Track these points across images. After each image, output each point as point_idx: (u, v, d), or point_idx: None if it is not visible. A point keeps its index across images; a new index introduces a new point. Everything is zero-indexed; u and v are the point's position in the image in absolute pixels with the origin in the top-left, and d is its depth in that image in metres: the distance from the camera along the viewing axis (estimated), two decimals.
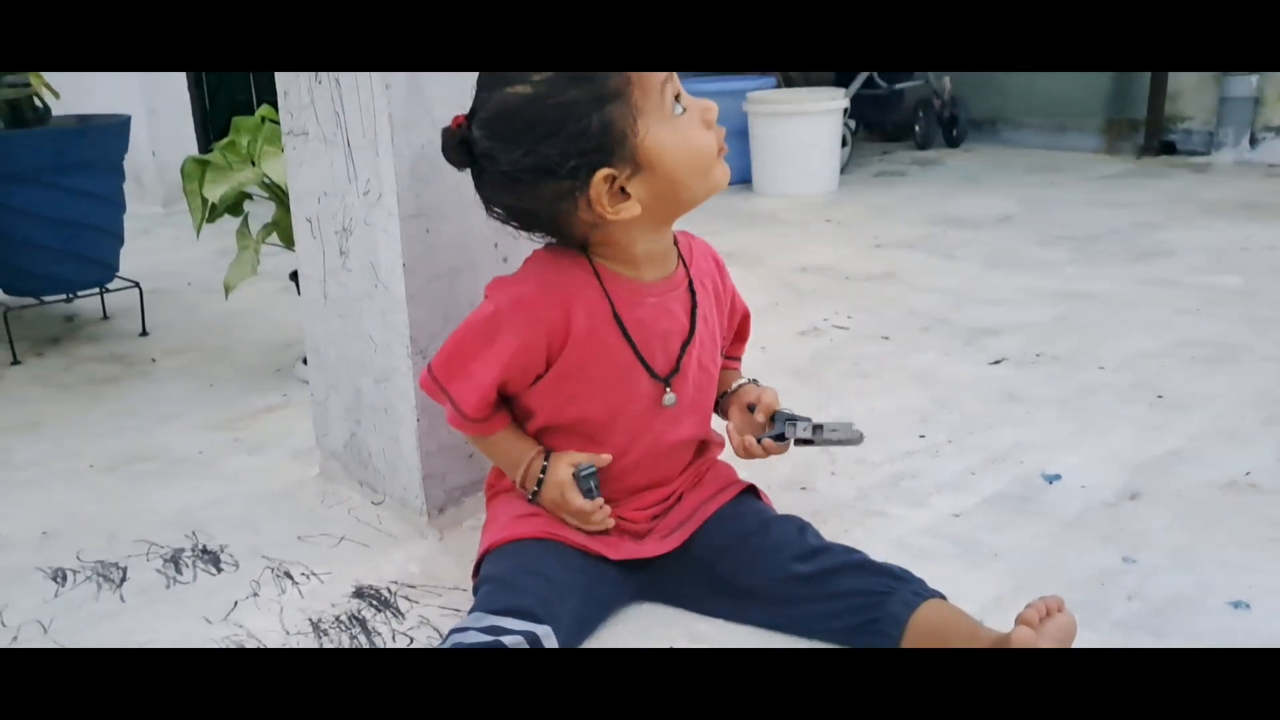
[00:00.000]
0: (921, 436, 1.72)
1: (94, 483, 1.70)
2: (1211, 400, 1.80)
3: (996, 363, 2.05)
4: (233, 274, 1.99)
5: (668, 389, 1.22)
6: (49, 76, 2.48)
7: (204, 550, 1.45)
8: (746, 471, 1.37)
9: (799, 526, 1.23)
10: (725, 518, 1.26)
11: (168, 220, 3.95)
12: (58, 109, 2.45)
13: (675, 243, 1.25)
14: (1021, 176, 4.20)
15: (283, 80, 1.49)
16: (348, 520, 1.52)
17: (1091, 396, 1.86)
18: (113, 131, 2.32)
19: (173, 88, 4.09)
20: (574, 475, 1.19)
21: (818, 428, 1.24)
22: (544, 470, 1.21)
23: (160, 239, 3.63)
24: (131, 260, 2.62)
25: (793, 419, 1.25)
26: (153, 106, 3.97)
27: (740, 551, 1.21)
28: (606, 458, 1.21)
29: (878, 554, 1.19)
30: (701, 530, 1.25)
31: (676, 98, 1.10)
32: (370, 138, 1.34)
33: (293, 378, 2.12)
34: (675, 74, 1.11)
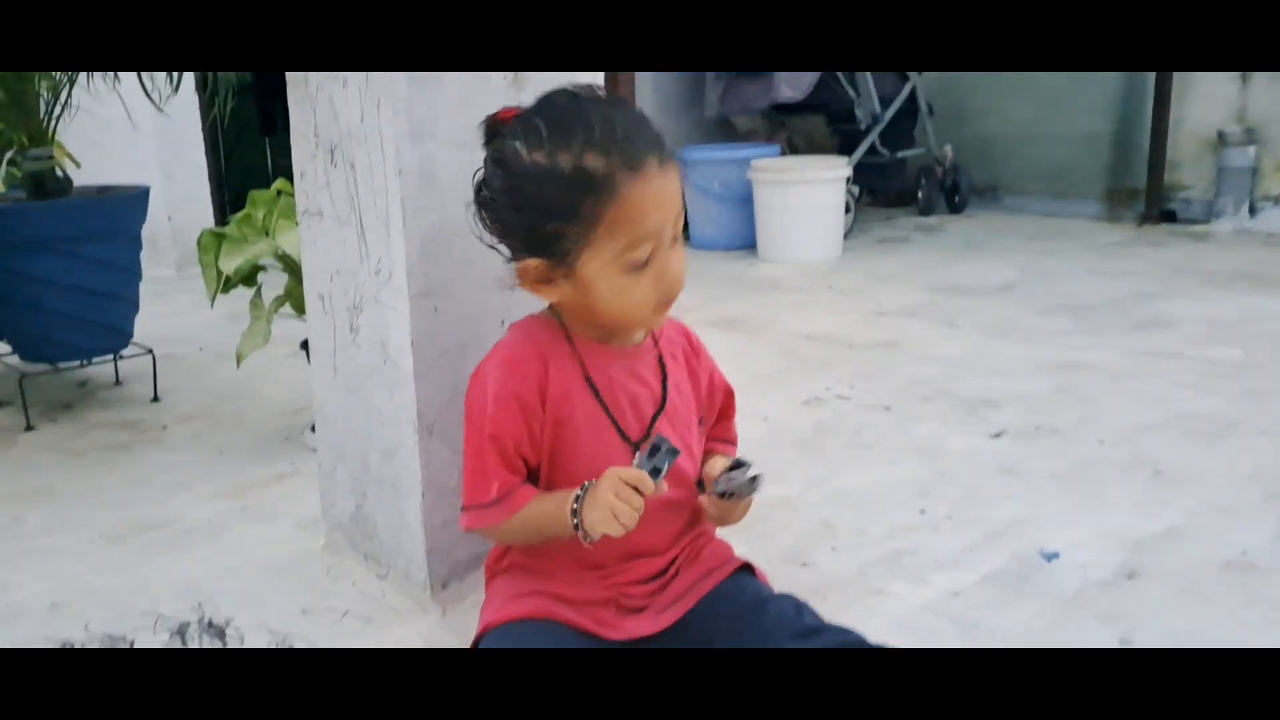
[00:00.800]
0: (922, 511, 1.73)
1: (104, 552, 1.72)
2: (1209, 475, 1.82)
3: (997, 435, 2.08)
4: (245, 343, 2.03)
5: (636, 453, 1.24)
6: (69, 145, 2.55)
7: (210, 624, 1.47)
8: (746, 546, 1.39)
9: (796, 605, 1.24)
10: (721, 595, 1.27)
11: (181, 284, 4.01)
12: (78, 177, 2.52)
13: None
14: (1023, 244, 4.25)
15: (299, 160, 1.54)
16: (352, 593, 1.54)
17: (1089, 470, 1.88)
18: (132, 202, 2.38)
19: (189, 153, 4.18)
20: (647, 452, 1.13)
21: (731, 472, 1.22)
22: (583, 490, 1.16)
23: (173, 303, 3.68)
24: (144, 324, 2.67)
25: (732, 469, 1.24)
26: (169, 172, 4.06)
27: (736, 629, 1.23)
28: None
29: (876, 633, 1.20)
30: (697, 608, 1.26)
31: (649, 259, 1.12)
32: (382, 219, 1.38)
33: (301, 445, 2.15)
34: (669, 239, 1.12)
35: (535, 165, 1.11)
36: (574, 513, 1.13)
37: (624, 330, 1.22)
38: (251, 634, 1.43)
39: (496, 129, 1.16)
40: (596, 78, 1.37)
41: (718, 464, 1.26)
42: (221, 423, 2.35)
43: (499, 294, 1.44)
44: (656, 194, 1.10)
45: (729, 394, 1.37)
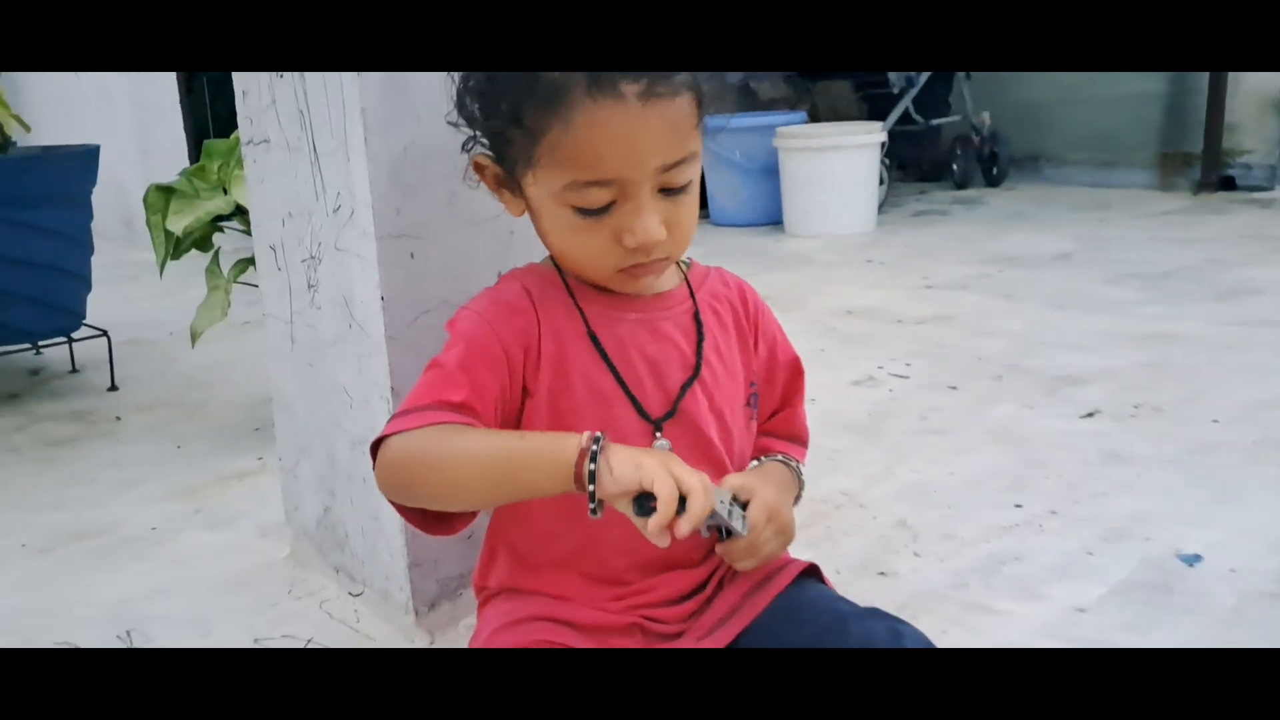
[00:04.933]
0: (1018, 506, 1.42)
1: (23, 565, 1.42)
2: None
3: (1089, 416, 1.75)
4: (200, 318, 1.73)
5: (658, 433, 0.93)
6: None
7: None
8: (807, 554, 1.06)
9: (890, 626, 0.92)
10: (783, 611, 0.94)
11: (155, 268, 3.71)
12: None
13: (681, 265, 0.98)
14: (1071, 214, 3.92)
15: (241, 80, 1.24)
16: (318, 617, 1.23)
17: (1212, 455, 1.56)
18: (78, 161, 2.08)
19: (168, 127, 3.86)
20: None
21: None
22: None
23: (148, 287, 3.36)
24: (114, 310, 2.38)
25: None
26: (146, 147, 3.74)
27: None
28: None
29: None
30: (752, 631, 0.94)
31: (608, 209, 0.83)
32: (339, 140, 1.07)
33: (272, 438, 1.84)
34: (646, 192, 0.82)
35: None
36: (595, 446, 0.77)
37: (588, 278, 0.90)
38: None
39: None
40: None
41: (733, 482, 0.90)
42: (184, 413, 2.05)
43: (494, 237, 1.14)
44: (623, 131, 0.79)
45: (796, 370, 1.03)
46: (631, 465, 0.76)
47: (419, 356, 1.09)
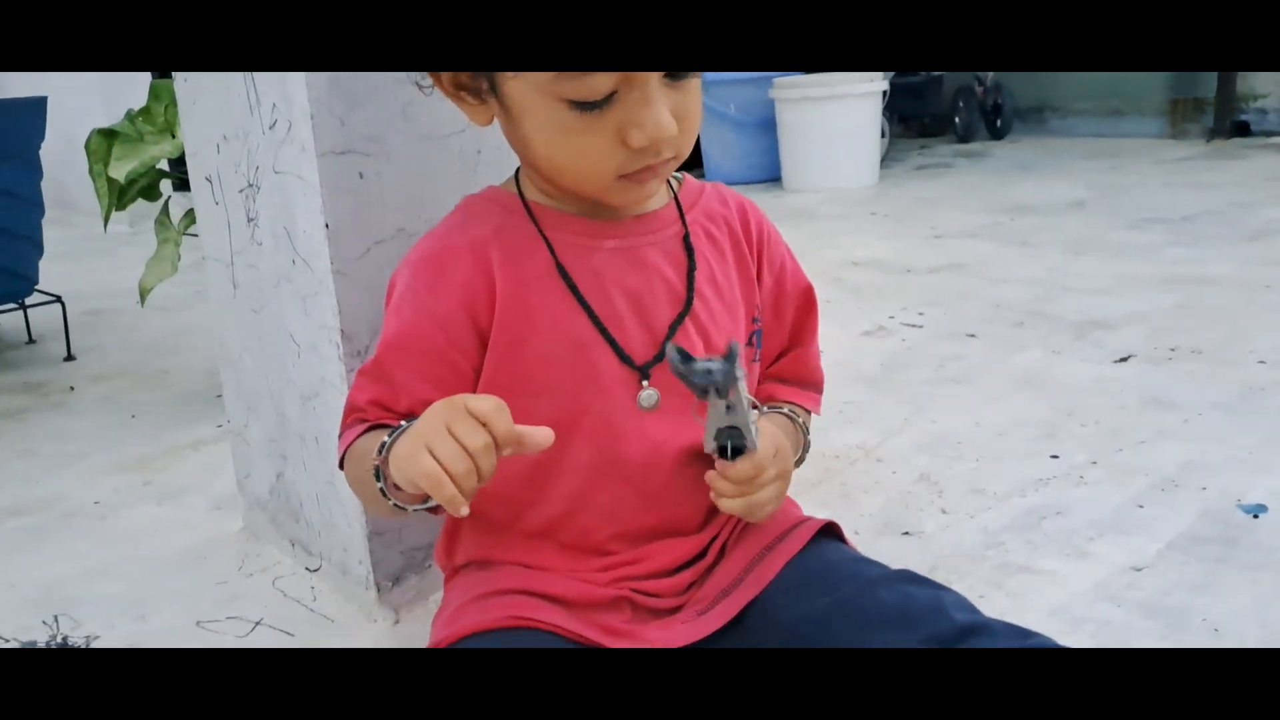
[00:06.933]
0: (1054, 457, 1.27)
1: None
2: None
3: (1123, 360, 1.61)
4: (149, 274, 1.58)
5: (645, 383, 0.78)
6: None
7: (64, 644, 1.03)
8: (821, 513, 0.91)
9: (933, 594, 0.77)
10: (799, 579, 0.79)
11: (133, 239, 3.54)
12: None
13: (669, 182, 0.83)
14: (1081, 162, 3.76)
15: None
16: (270, 595, 1.09)
17: (1264, 398, 1.41)
18: (22, 113, 1.92)
19: (136, 87, 3.69)
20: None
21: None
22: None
23: (121, 258, 3.22)
24: (78, 281, 2.23)
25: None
26: (115, 115, 3.58)
27: (832, 630, 0.76)
28: (546, 431, 0.67)
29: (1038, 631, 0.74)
30: (763, 598, 0.79)
31: (610, 101, 0.68)
32: None
33: None
34: (652, 79, 0.68)
35: None
36: (382, 447, 0.69)
37: (585, 192, 0.76)
38: None
39: None
40: None
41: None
42: (142, 382, 1.90)
43: (457, 154, 0.99)
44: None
45: (809, 301, 0.88)
46: (404, 457, 0.65)
47: (372, 294, 0.95)
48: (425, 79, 0.77)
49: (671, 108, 0.70)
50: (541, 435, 0.65)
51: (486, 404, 0.63)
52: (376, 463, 0.70)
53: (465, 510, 0.63)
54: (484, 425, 0.63)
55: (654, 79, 0.68)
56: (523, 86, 0.70)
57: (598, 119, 0.69)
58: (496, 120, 0.76)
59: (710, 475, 0.76)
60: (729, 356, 0.67)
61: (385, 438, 0.70)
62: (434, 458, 0.62)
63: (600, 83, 0.67)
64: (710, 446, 0.72)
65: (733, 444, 0.72)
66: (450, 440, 0.62)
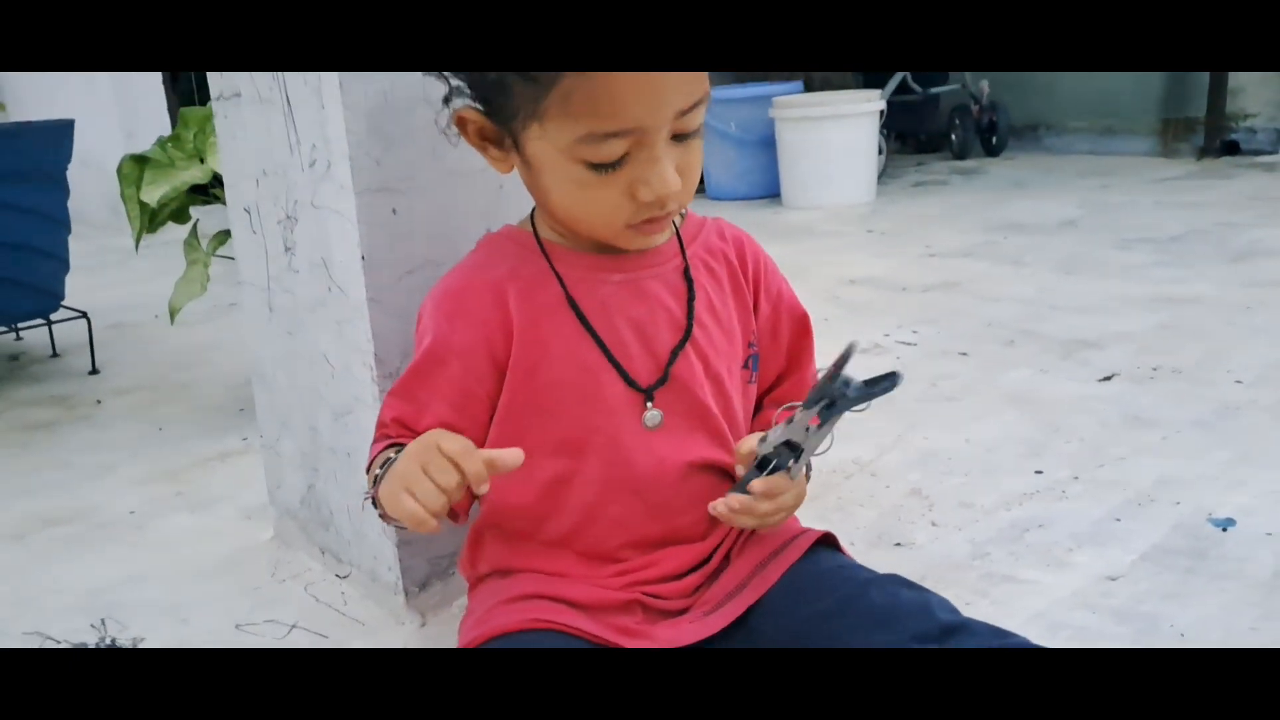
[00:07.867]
0: (1038, 472, 1.35)
1: None
2: None
3: (1107, 379, 1.69)
4: (179, 294, 1.66)
5: (649, 404, 0.86)
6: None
7: (112, 645, 1.10)
8: (819, 525, 0.99)
9: (918, 596, 0.85)
10: (798, 584, 0.87)
11: (149, 251, 3.62)
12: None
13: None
14: (1074, 181, 3.84)
15: None
16: (303, 600, 1.17)
17: (1237, 417, 1.49)
18: (50, 136, 1.99)
19: (151, 107, 3.78)
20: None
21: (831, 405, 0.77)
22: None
23: (138, 271, 3.30)
24: (99, 295, 2.31)
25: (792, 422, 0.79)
26: (129, 129, 3.66)
27: (828, 629, 0.84)
28: (516, 451, 0.76)
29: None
30: (765, 601, 0.87)
31: (622, 162, 0.76)
32: (314, 87, 1.00)
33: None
34: (661, 139, 0.76)
35: None
36: (376, 480, 0.81)
37: (599, 238, 0.85)
38: None
39: None
40: None
41: (749, 442, 0.85)
42: (167, 395, 1.98)
43: (482, 190, 1.07)
44: (644, 75, 0.73)
45: (804, 326, 0.96)
46: (389, 496, 0.75)
47: (403, 320, 1.02)
48: (453, 129, 0.85)
49: (675, 164, 0.78)
50: (511, 456, 0.74)
51: (456, 445, 0.73)
52: (372, 494, 0.81)
53: (439, 527, 0.73)
54: (455, 465, 0.72)
55: (661, 140, 0.77)
56: (545, 147, 0.78)
57: (611, 176, 0.78)
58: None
59: (728, 506, 0.84)
60: (880, 385, 0.76)
61: (391, 454, 0.81)
62: (414, 499, 0.72)
63: (615, 147, 0.75)
64: (761, 447, 0.80)
65: (778, 462, 0.80)
66: (426, 480, 0.72)
